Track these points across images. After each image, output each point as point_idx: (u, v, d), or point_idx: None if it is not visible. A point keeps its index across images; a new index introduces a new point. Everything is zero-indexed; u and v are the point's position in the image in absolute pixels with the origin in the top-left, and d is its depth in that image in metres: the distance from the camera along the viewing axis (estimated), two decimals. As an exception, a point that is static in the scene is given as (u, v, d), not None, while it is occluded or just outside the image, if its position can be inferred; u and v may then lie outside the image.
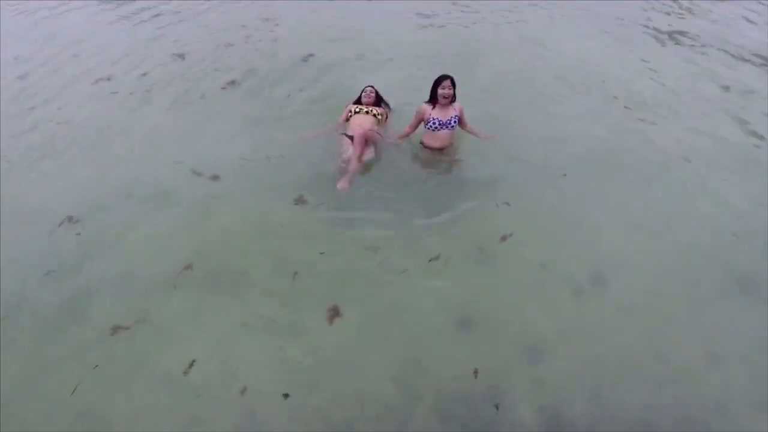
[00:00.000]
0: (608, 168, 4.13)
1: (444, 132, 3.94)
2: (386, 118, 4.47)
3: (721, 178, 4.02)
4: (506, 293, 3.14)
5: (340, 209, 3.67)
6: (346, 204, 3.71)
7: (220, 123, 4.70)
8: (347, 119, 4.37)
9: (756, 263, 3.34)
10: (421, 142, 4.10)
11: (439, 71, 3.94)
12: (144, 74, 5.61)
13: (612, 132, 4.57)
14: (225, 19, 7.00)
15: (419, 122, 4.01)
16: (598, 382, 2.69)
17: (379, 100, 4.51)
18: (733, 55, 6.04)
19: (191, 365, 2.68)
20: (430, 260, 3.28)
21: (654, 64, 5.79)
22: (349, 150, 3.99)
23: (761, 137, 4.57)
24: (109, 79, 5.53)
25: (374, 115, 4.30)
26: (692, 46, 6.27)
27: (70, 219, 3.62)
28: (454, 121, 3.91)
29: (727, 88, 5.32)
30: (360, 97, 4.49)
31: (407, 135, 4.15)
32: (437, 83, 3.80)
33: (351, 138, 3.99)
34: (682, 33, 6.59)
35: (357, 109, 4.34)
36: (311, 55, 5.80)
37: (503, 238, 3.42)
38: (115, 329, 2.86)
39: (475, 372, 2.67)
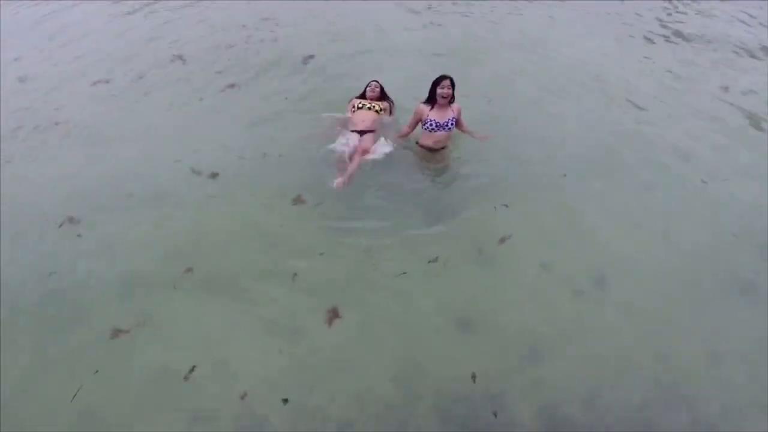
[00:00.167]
0: (608, 168, 4.12)
1: (440, 133, 3.94)
2: (390, 111, 4.49)
3: (721, 179, 4.02)
4: (506, 294, 3.15)
5: (338, 210, 3.67)
6: (344, 204, 3.71)
7: (219, 123, 4.70)
8: (351, 113, 4.38)
9: (756, 264, 3.33)
10: (417, 142, 4.10)
11: (438, 71, 3.94)
12: (143, 77, 5.61)
13: (612, 132, 4.56)
14: (225, 18, 6.99)
15: (417, 122, 4.02)
16: (598, 382, 2.69)
17: (383, 95, 4.52)
18: (733, 55, 6.03)
19: (192, 370, 2.68)
20: (429, 262, 3.28)
21: (654, 63, 5.79)
22: (351, 145, 4.00)
23: (761, 137, 4.56)
24: (108, 81, 5.53)
25: (376, 111, 4.31)
26: (693, 45, 6.26)
27: (70, 220, 3.62)
28: (451, 123, 3.91)
29: (726, 89, 5.31)
30: (365, 92, 4.49)
31: (406, 135, 4.16)
32: (436, 83, 3.80)
33: (359, 133, 4.05)
34: (682, 32, 6.58)
35: (360, 105, 4.35)
36: (311, 56, 5.80)
37: (502, 240, 3.42)
38: (116, 332, 2.87)
39: (473, 376, 2.66)
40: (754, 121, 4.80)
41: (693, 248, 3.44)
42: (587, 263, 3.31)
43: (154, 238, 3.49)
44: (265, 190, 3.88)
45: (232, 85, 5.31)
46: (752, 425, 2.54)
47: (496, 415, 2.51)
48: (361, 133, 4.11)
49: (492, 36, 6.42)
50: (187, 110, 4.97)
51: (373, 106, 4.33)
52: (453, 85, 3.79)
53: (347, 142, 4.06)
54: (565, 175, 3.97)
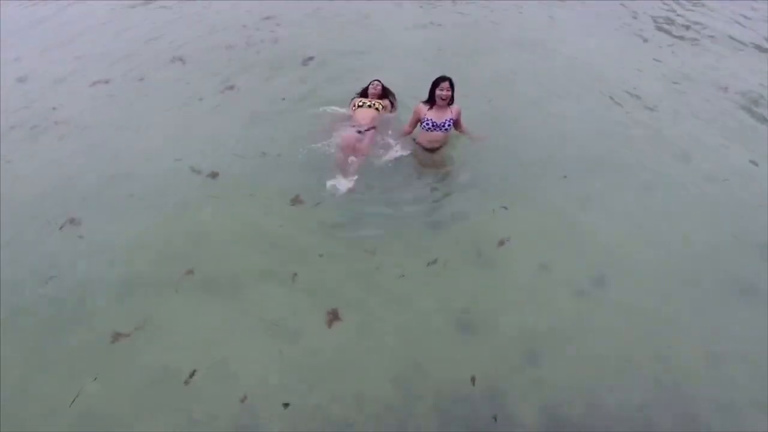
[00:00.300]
0: (608, 168, 4.13)
1: (437, 133, 3.95)
2: (393, 106, 4.56)
3: (721, 179, 4.02)
4: (505, 295, 3.15)
5: (337, 211, 3.67)
6: (343, 205, 3.71)
7: (219, 123, 4.70)
8: (352, 112, 4.42)
9: (756, 264, 3.34)
10: (415, 140, 4.12)
11: (438, 71, 3.93)
12: (142, 77, 5.60)
13: (612, 132, 4.57)
14: (226, 18, 6.98)
15: (416, 122, 4.03)
16: (598, 382, 2.70)
17: (385, 94, 4.57)
18: (732, 55, 6.03)
19: (193, 374, 2.68)
20: (428, 264, 3.28)
21: (654, 63, 5.79)
22: (351, 144, 4.04)
23: (761, 137, 4.56)
24: (107, 81, 5.52)
25: (377, 109, 4.35)
26: (692, 45, 6.27)
27: (71, 221, 3.62)
28: (448, 124, 3.91)
29: (726, 89, 5.31)
30: (366, 90, 4.55)
31: (407, 134, 4.17)
32: (435, 85, 3.79)
33: (359, 132, 4.08)
34: (682, 32, 6.58)
35: (361, 103, 4.39)
36: (311, 58, 5.79)
37: (501, 243, 3.42)
38: (116, 336, 2.86)
39: (473, 379, 2.67)
40: (754, 121, 4.80)
41: (693, 248, 3.44)
42: (587, 264, 3.31)
43: (155, 238, 3.49)
44: (264, 190, 3.88)
45: (231, 86, 5.31)
46: (752, 425, 2.55)
47: (495, 419, 2.52)
48: (363, 130, 4.13)
49: (492, 36, 6.41)
50: (186, 110, 4.96)
51: (374, 104, 4.37)
52: (452, 86, 3.78)
53: (347, 141, 4.08)
54: (565, 177, 3.96)
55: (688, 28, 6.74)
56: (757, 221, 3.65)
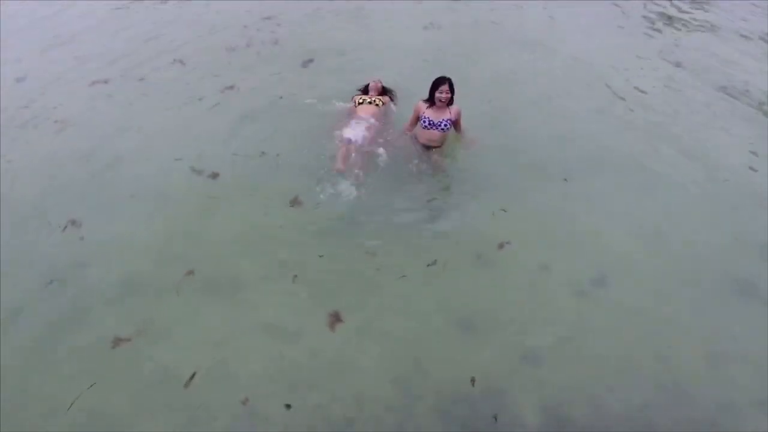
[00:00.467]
0: (608, 169, 4.13)
1: (434, 132, 3.97)
2: (392, 100, 4.67)
3: (721, 179, 4.02)
4: (505, 295, 3.15)
5: (337, 212, 3.67)
6: (343, 207, 3.70)
7: (219, 122, 4.69)
8: (354, 108, 4.50)
9: (756, 265, 3.34)
10: (414, 137, 4.15)
11: (438, 71, 3.93)
12: (142, 77, 5.59)
13: (613, 133, 4.57)
14: (225, 18, 6.97)
15: (416, 119, 4.07)
16: (598, 382, 2.70)
17: (384, 92, 4.70)
18: (732, 54, 6.03)
19: (193, 376, 2.68)
20: (428, 265, 3.28)
21: (654, 63, 5.79)
22: (353, 139, 4.10)
23: (761, 138, 4.57)
24: (106, 81, 5.52)
25: (377, 105, 4.47)
26: (692, 45, 6.26)
27: (73, 222, 3.61)
28: (446, 124, 3.92)
29: (725, 88, 5.32)
30: (367, 88, 4.67)
31: (407, 132, 4.20)
32: (435, 86, 3.80)
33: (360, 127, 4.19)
34: (683, 32, 6.58)
35: (362, 100, 4.50)
36: (311, 60, 5.79)
37: (501, 246, 3.42)
38: (117, 341, 2.86)
39: (472, 380, 2.67)
40: (754, 120, 4.80)
41: (693, 249, 3.45)
42: (587, 264, 3.32)
43: (156, 240, 3.49)
44: (264, 191, 3.88)
45: (231, 86, 5.31)
46: (753, 425, 2.55)
47: (496, 419, 2.52)
48: (365, 126, 4.23)
49: (492, 36, 6.41)
50: (186, 110, 4.96)
51: (374, 101, 4.48)
52: (452, 87, 3.79)
53: (348, 133, 4.17)
54: (566, 179, 3.96)
55: (688, 28, 6.74)
56: (758, 221, 3.65)
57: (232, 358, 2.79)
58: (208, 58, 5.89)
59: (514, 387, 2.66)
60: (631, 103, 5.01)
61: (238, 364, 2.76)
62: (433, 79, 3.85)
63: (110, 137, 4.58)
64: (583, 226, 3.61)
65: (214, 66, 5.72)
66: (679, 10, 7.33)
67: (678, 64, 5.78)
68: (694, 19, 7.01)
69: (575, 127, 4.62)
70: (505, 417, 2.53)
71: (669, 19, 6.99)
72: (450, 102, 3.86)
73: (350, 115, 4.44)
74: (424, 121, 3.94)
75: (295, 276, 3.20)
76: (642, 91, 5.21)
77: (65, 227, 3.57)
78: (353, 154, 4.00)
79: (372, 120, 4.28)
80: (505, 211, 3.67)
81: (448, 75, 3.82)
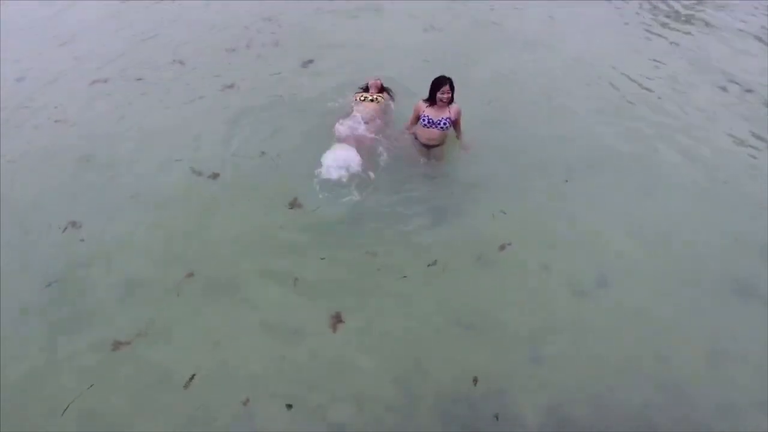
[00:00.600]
0: (608, 170, 4.13)
1: (434, 130, 3.99)
2: (392, 98, 4.74)
3: (721, 180, 4.03)
4: (506, 295, 3.16)
5: (338, 214, 3.67)
6: (344, 209, 3.70)
7: (219, 122, 4.69)
8: (355, 105, 4.54)
9: (756, 266, 3.35)
10: (415, 136, 4.17)
11: (438, 71, 3.93)
12: (141, 77, 5.60)
13: (613, 134, 4.56)
14: (226, 18, 6.96)
15: (416, 119, 4.09)
16: (599, 382, 2.71)
17: (383, 89, 4.76)
18: (735, 55, 6.02)
19: (192, 377, 2.69)
20: (428, 265, 3.28)
21: (654, 63, 5.78)
22: (355, 135, 4.17)
23: (761, 138, 4.57)
24: (106, 81, 5.52)
25: (377, 102, 4.53)
26: (694, 45, 6.25)
27: (73, 224, 3.61)
28: (445, 123, 3.93)
29: (725, 89, 5.32)
30: (367, 86, 4.73)
31: (407, 131, 4.22)
32: (437, 86, 3.81)
33: (362, 123, 4.25)
34: (684, 33, 6.57)
35: (363, 97, 4.56)
36: (311, 60, 5.79)
37: (502, 247, 3.42)
38: (117, 342, 2.87)
39: (475, 380, 2.68)
40: (755, 121, 4.80)
41: (693, 249, 3.45)
42: (588, 264, 3.32)
43: (156, 241, 3.50)
44: (264, 192, 3.88)
45: (231, 85, 5.31)
46: (753, 425, 2.56)
47: (497, 418, 2.52)
48: (366, 122, 4.29)
49: (492, 37, 6.41)
50: (186, 109, 4.96)
51: (375, 98, 4.55)
52: (452, 87, 3.80)
53: (349, 121, 4.26)
54: (566, 181, 3.96)
55: (688, 28, 6.74)
56: (758, 222, 3.65)
57: (232, 359, 2.79)
58: (208, 58, 5.89)
59: (515, 387, 2.66)
60: (631, 104, 5.01)
61: (239, 365, 2.77)
62: (433, 78, 3.85)
63: (110, 137, 4.58)
64: (584, 227, 3.61)
65: (214, 66, 5.72)
66: (680, 9, 7.33)
67: (678, 64, 5.77)
68: (695, 19, 7.01)
69: (575, 128, 4.62)
70: (506, 417, 2.54)
71: (669, 19, 6.99)
72: (450, 101, 3.87)
73: (351, 111, 4.49)
74: (424, 120, 3.96)
75: (296, 279, 3.20)
76: (642, 92, 5.21)
77: (65, 229, 3.57)
78: (354, 145, 4.06)
79: (372, 116, 4.35)
80: (504, 213, 3.67)
81: (447, 74, 3.82)
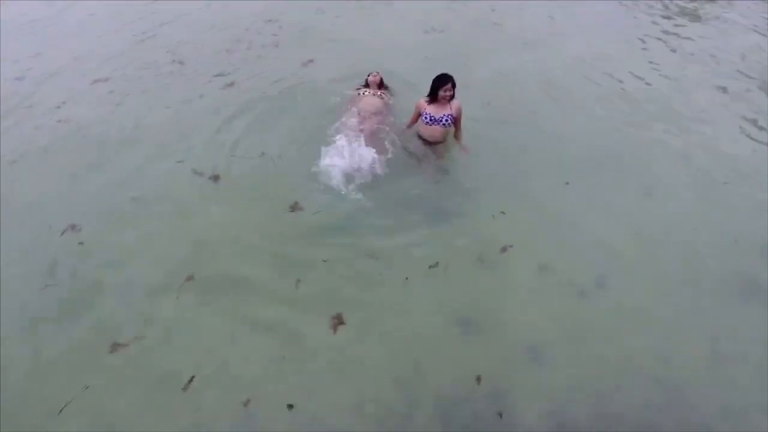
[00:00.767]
0: (609, 171, 4.12)
1: (436, 127, 4.01)
2: (390, 95, 4.81)
3: (722, 181, 4.03)
4: (507, 297, 3.15)
5: (339, 216, 3.66)
6: (344, 211, 3.70)
7: (219, 122, 4.70)
8: (357, 101, 4.61)
9: (756, 265, 3.34)
10: (417, 132, 4.19)
11: (439, 71, 3.93)
12: (142, 76, 5.61)
13: (614, 134, 4.56)
14: (226, 18, 6.97)
15: (417, 116, 4.12)
16: (600, 383, 2.71)
17: (382, 84, 4.84)
18: (735, 55, 6.03)
19: (192, 379, 2.69)
20: (430, 267, 3.28)
21: (656, 63, 5.78)
22: (357, 127, 4.27)
23: (761, 139, 4.57)
24: (107, 80, 5.52)
25: (380, 97, 4.62)
26: (695, 46, 6.25)
27: (72, 227, 3.61)
28: (447, 120, 3.95)
29: (725, 89, 5.31)
30: (367, 81, 4.80)
31: (409, 127, 4.26)
32: (439, 84, 3.82)
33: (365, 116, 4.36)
34: (683, 33, 6.58)
35: (365, 92, 4.64)
36: (311, 60, 5.80)
37: (504, 249, 3.42)
38: (115, 344, 2.86)
39: (478, 378, 2.68)
40: (754, 121, 4.80)
41: (693, 250, 3.45)
42: (588, 265, 3.32)
43: (156, 244, 3.49)
44: (265, 193, 3.88)
45: (231, 83, 5.32)
46: (754, 425, 2.55)
47: (501, 416, 2.52)
48: (368, 116, 4.39)
49: (492, 37, 6.41)
50: (187, 108, 4.97)
51: (377, 94, 4.64)
52: (454, 85, 3.83)
53: (354, 118, 4.36)
54: (567, 183, 3.96)
55: (688, 28, 6.74)
56: (758, 223, 3.65)
57: (232, 360, 2.79)
58: (209, 57, 5.91)
59: (515, 388, 2.66)
60: (631, 104, 5.01)
61: (239, 366, 2.76)
62: (435, 76, 3.86)
63: (111, 137, 4.58)
64: (584, 227, 3.61)
65: (215, 65, 5.73)
66: (680, 9, 7.33)
67: (679, 65, 5.78)
68: (695, 19, 7.01)
69: (575, 127, 4.62)
70: (506, 418, 2.54)
71: (670, 19, 6.99)
72: (451, 98, 3.88)
73: (351, 108, 4.56)
74: (426, 118, 3.98)
75: (299, 281, 3.19)
76: (643, 92, 5.21)
77: (64, 231, 3.57)
78: (358, 142, 4.12)
79: (373, 112, 4.43)
80: (504, 213, 3.68)
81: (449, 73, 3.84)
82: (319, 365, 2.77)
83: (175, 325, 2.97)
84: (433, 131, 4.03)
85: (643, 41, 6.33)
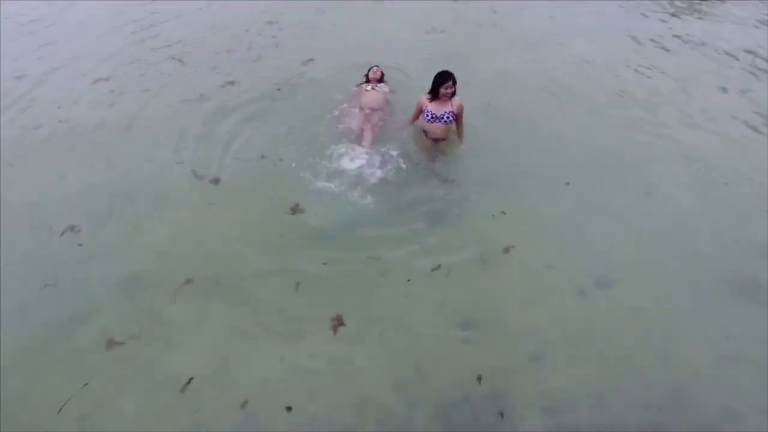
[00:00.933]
0: (610, 171, 4.13)
1: (437, 125, 4.03)
2: (391, 91, 4.85)
3: (722, 182, 4.03)
4: (508, 297, 3.15)
5: (339, 218, 3.66)
6: (345, 213, 3.70)
7: (220, 122, 4.70)
8: (360, 96, 4.66)
9: (757, 265, 3.34)
10: (421, 128, 4.20)
11: (440, 69, 3.93)
12: (143, 74, 5.61)
13: (614, 134, 4.57)
14: (226, 18, 6.97)
15: (419, 113, 4.13)
16: (600, 383, 2.71)
17: (383, 79, 4.88)
18: (736, 55, 6.03)
19: (190, 380, 2.68)
20: (432, 269, 3.28)
21: (657, 64, 5.78)
22: (361, 124, 4.34)
23: (761, 139, 4.57)
24: (108, 79, 5.52)
25: (383, 92, 4.67)
26: (695, 46, 6.25)
27: (72, 228, 3.61)
28: (448, 117, 3.95)
29: (725, 89, 5.31)
30: (367, 76, 4.83)
31: (410, 123, 4.28)
32: (440, 81, 3.83)
33: (369, 111, 4.43)
34: (683, 34, 6.57)
35: (368, 88, 4.67)
36: (311, 59, 5.80)
37: (506, 250, 3.42)
38: (113, 344, 2.86)
39: (479, 378, 2.68)
40: (754, 122, 4.80)
41: (694, 250, 3.45)
42: (589, 265, 3.32)
43: (156, 245, 3.48)
44: (265, 195, 3.88)
45: (231, 83, 5.32)
46: (755, 425, 2.55)
47: (502, 416, 2.52)
48: (370, 111, 4.44)
49: (493, 37, 6.41)
50: (187, 107, 4.97)
51: (379, 89, 4.67)
52: (455, 82, 3.85)
53: (359, 120, 4.41)
54: (568, 184, 3.96)
55: (688, 29, 6.73)
56: (758, 223, 3.65)
57: (231, 361, 2.79)
58: (209, 57, 5.92)
59: (515, 389, 2.66)
60: (632, 105, 5.01)
61: (238, 367, 2.76)
62: (436, 73, 3.87)
63: (111, 138, 4.58)
64: (584, 227, 3.61)
65: (215, 65, 5.74)
66: (680, 9, 7.33)
67: (679, 65, 5.78)
68: (695, 19, 7.01)
69: (576, 127, 4.63)
70: (507, 418, 2.54)
71: (670, 19, 6.99)
72: (452, 95, 3.89)
73: (355, 103, 4.62)
74: (428, 115, 4.00)
75: (298, 284, 3.19)
76: (643, 92, 5.21)
77: (63, 232, 3.57)
78: (367, 134, 4.20)
79: (376, 107, 4.48)
80: (504, 213, 3.67)
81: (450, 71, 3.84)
82: (318, 366, 2.77)
83: (174, 326, 2.97)
84: (436, 128, 4.05)
85: (643, 41, 6.33)
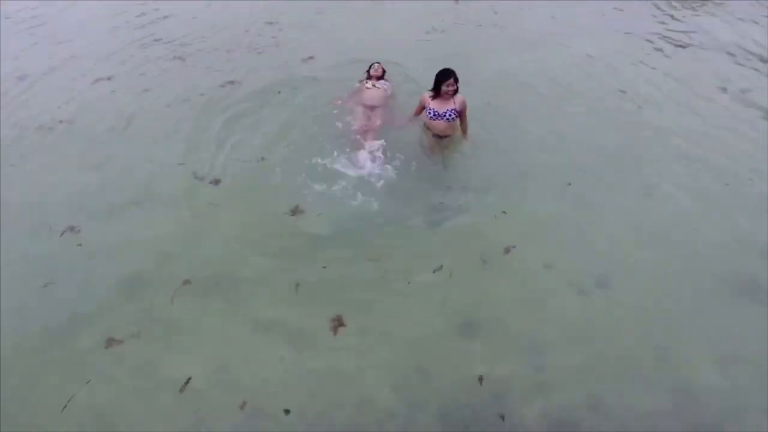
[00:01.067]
0: (610, 171, 4.12)
1: (440, 122, 4.03)
2: (392, 87, 4.87)
3: (723, 183, 4.02)
4: (510, 299, 3.15)
5: (340, 219, 3.66)
6: (345, 214, 3.70)
7: (220, 122, 4.70)
8: (362, 93, 4.68)
9: (757, 265, 3.34)
10: (425, 125, 4.21)
11: (441, 67, 3.93)
12: (144, 74, 5.61)
13: (615, 135, 4.56)
14: (226, 18, 6.98)
15: (421, 109, 4.14)
16: (601, 384, 2.70)
17: (384, 75, 4.88)
18: (737, 56, 6.03)
19: (187, 382, 2.68)
20: (434, 271, 3.28)
21: (657, 64, 5.78)
22: (365, 122, 4.36)
23: (760, 139, 4.56)
24: (109, 78, 5.53)
25: (385, 89, 4.68)
26: (693, 46, 6.26)
27: (72, 228, 3.61)
28: (451, 114, 3.96)
29: (725, 89, 5.31)
30: (369, 73, 4.83)
31: (412, 119, 4.29)
32: (442, 78, 3.84)
33: (369, 108, 4.46)
34: (683, 34, 6.57)
35: (369, 85, 4.68)
36: (311, 58, 5.80)
37: (507, 250, 3.42)
38: (110, 343, 2.86)
39: (480, 379, 2.68)
40: (754, 122, 4.80)
41: (694, 250, 3.45)
42: (590, 265, 3.32)
43: (155, 245, 3.48)
44: (266, 197, 3.88)
45: (232, 84, 5.31)
46: (755, 425, 2.55)
47: (503, 418, 2.52)
48: (371, 108, 4.48)
49: (493, 37, 6.42)
50: (187, 107, 4.98)
51: (380, 87, 4.68)
52: (456, 80, 3.85)
53: (360, 118, 4.43)
54: (569, 184, 3.96)
55: (688, 29, 6.73)
56: (758, 223, 3.65)
57: (230, 362, 2.78)
58: (209, 56, 5.93)
59: (516, 389, 2.66)
60: (632, 105, 5.01)
61: (237, 368, 2.76)
62: (438, 71, 3.87)
63: (111, 138, 4.58)
64: (584, 227, 3.61)
65: (215, 63, 5.75)
66: (680, 9, 7.32)
67: (680, 64, 5.78)
68: (695, 19, 7.01)
69: (576, 128, 4.63)
70: (508, 419, 2.53)
71: (670, 20, 6.99)
72: (454, 92, 3.89)
73: (357, 100, 4.63)
74: (430, 113, 4.01)
75: (298, 284, 3.19)
76: (643, 92, 5.21)
77: (63, 232, 3.56)
78: (369, 133, 4.21)
79: (378, 103, 4.51)
80: (505, 213, 3.67)
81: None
82: (318, 366, 2.77)
83: (174, 326, 2.97)
84: (438, 126, 4.06)
85: (644, 41, 6.33)
